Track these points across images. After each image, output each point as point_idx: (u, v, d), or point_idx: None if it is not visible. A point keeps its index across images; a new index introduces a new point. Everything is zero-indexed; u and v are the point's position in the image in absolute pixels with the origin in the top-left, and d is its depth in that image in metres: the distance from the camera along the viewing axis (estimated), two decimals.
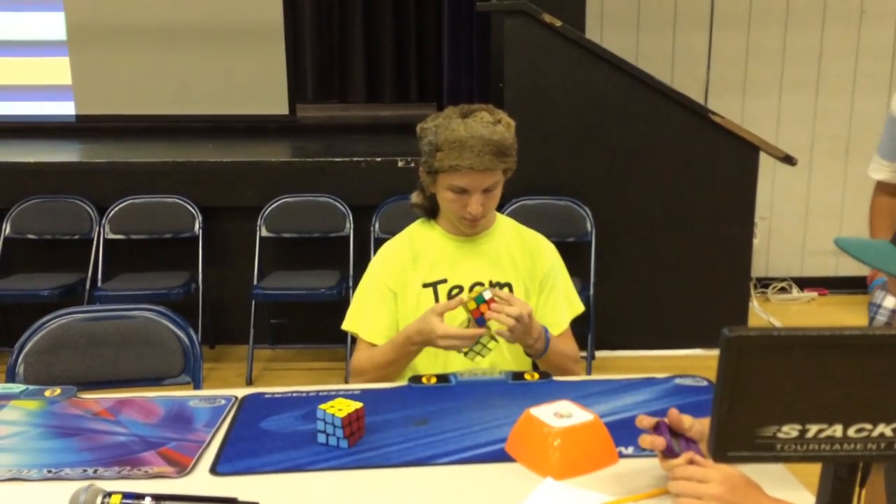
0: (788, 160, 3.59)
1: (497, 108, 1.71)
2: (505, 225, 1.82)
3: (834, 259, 4.54)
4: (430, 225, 1.80)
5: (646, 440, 1.18)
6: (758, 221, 3.96)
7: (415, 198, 1.80)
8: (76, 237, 3.64)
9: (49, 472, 1.24)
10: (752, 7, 4.54)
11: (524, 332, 1.58)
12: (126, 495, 1.10)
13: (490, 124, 1.62)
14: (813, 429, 0.73)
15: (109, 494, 1.09)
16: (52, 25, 4.87)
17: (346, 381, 3.34)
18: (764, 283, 4.72)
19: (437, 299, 1.72)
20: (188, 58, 4.86)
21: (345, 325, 1.79)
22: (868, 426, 0.73)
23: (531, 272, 1.77)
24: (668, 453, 1.16)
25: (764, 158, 3.62)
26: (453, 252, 1.76)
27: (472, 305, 1.55)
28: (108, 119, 4.92)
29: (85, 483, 1.11)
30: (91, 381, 1.79)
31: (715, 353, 0.72)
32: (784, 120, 4.62)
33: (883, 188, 2.12)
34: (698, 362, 3.49)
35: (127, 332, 1.84)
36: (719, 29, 4.56)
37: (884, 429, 0.73)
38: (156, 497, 1.10)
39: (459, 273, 1.74)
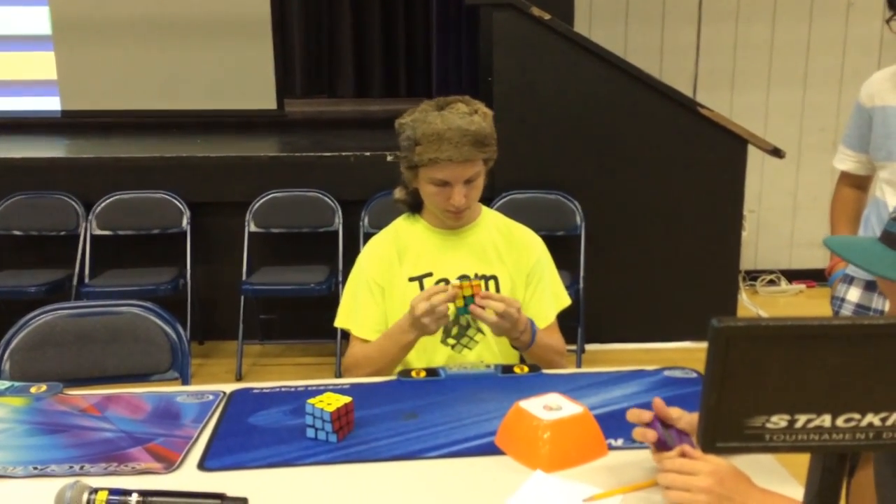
0: (777, 153, 3.61)
1: (487, 101, 1.70)
2: (490, 217, 1.82)
3: (822, 252, 4.56)
4: (414, 219, 1.80)
5: (638, 433, 1.18)
6: (746, 214, 3.98)
7: (398, 194, 1.79)
8: (63, 233, 3.61)
9: (35, 468, 1.23)
10: (740, 0, 4.55)
11: (511, 326, 1.58)
12: (112, 492, 1.09)
13: (466, 115, 1.62)
14: (802, 419, 0.73)
15: (96, 491, 1.08)
16: (36, 20, 4.82)
17: (336, 376, 3.34)
18: (752, 275, 4.74)
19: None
20: (175, 52, 4.83)
21: (337, 322, 1.79)
22: (856, 416, 0.73)
23: (518, 265, 1.77)
24: (661, 446, 1.16)
25: (752, 151, 3.64)
26: (438, 245, 1.76)
27: (461, 303, 1.55)
28: (95, 114, 4.88)
29: (71, 480, 1.10)
30: (78, 377, 1.77)
31: (704, 345, 0.72)
32: (772, 113, 4.64)
33: (846, 180, 2.12)
34: (688, 354, 3.50)
35: (114, 329, 1.82)
36: (708, 22, 4.56)
37: (872, 418, 0.73)
38: (143, 493, 1.09)
39: (445, 266, 1.74)
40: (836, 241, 1.21)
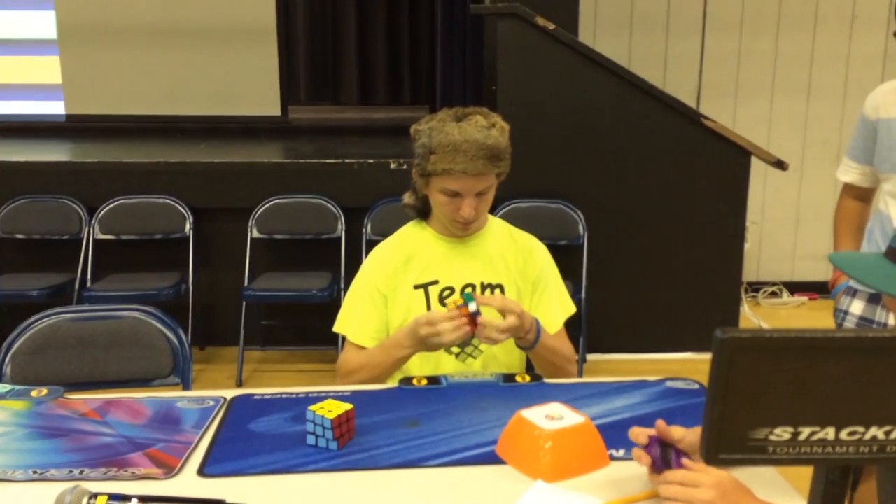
0: (780, 165, 3.60)
1: (491, 110, 1.70)
2: (496, 226, 1.82)
3: (824, 264, 4.56)
4: (421, 226, 1.80)
5: (635, 454, 1.17)
6: (749, 226, 3.97)
7: (407, 198, 1.79)
8: (65, 237, 3.61)
9: (34, 472, 1.23)
10: (745, 12, 4.55)
11: (518, 328, 1.57)
12: (112, 497, 1.09)
13: (484, 128, 1.61)
14: (805, 431, 0.72)
15: (95, 496, 1.08)
16: (42, 24, 4.84)
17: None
18: (755, 287, 4.73)
19: (428, 301, 1.72)
20: (180, 58, 4.84)
21: (336, 327, 1.79)
22: (860, 429, 0.72)
23: (523, 273, 1.77)
24: (657, 468, 1.15)
25: (755, 163, 3.63)
26: (445, 253, 1.75)
27: (460, 301, 1.53)
28: (99, 119, 4.89)
29: (70, 484, 1.10)
30: (79, 381, 1.78)
31: (706, 356, 0.72)
32: (775, 125, 4.64)
33: (849, 192, 2.12)
34: (690, 366, 3.49)
35: (116, 333, 1.82)
36: (712, 33, 4.57)
37: (876, 432, 0.73)
38: (142, 499, 1.09)
39: (451, 274, 1.73)
40: (841, 258, 1.21)
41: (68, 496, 1.07)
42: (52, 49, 4.85)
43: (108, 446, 1.32)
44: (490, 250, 1.77)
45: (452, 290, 1.72)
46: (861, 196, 2.11)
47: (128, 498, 1.09)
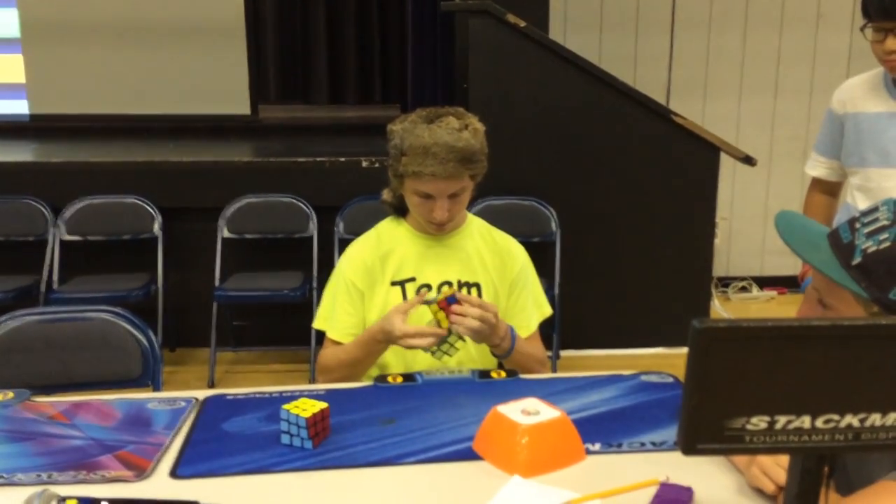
0: (748, 161, 3.65)
1: (464, 108, 1.69)
2: (475, 225, 1.81)
3: (793, 259, 4.59)
4: (398, 222, 1.79)
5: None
6: (719, 221, 4.02)
7: (385, 195, 1.79)
8: (31, 238, 3.54)
9: (1, 477, 1.20)
10: (713, 11, 4.60)
11: (491, 332, 1.57)
12: (82, 500, 1.06)
13: (455, 131, 1.60)
14: (781, 420, 0.73)
15: (64, 500, 1.06)
16: (4, 22, 4.74)
17: (311, 383, 3.31)
18: (725, 282, 4.78)
19: (405, 297, 1.71)
20: (147, 56, 4.77)
21: (315, 324, 1.78)
22: (835, 417, 0.73)
23: (501, 273, 1.77)
24: None
25: (724, 159, 3.67)
26: (422, 251, 1.75)
27: (436, 308, 1.54)
28: (64, 119, 4.80)
29: (39, 488, 1.07)
30: (46, 384, 1.73)
31: (678, 351, 0.72)
32: (744, 122, 4.70)
33: (818, 186, 2.16)
34: (662, 361, 3.52)
35: (84, 335, 1.79)
36: (680, 32, 4.61)
37: (851, 419, 0.73)
38: (113, 501, 1.07)
39: (428, 272, 1.73)
40: (786, 222, 1.18)
41: (36, 500, 1.04)
42: (14, 47, 4.75)
43: (77, 449, 1.29)
44: (468, 248, 1.76)
45: (429, 287, 1.72)
46: (829, 190, 2.14)
47: (98, 501, 1.06)
